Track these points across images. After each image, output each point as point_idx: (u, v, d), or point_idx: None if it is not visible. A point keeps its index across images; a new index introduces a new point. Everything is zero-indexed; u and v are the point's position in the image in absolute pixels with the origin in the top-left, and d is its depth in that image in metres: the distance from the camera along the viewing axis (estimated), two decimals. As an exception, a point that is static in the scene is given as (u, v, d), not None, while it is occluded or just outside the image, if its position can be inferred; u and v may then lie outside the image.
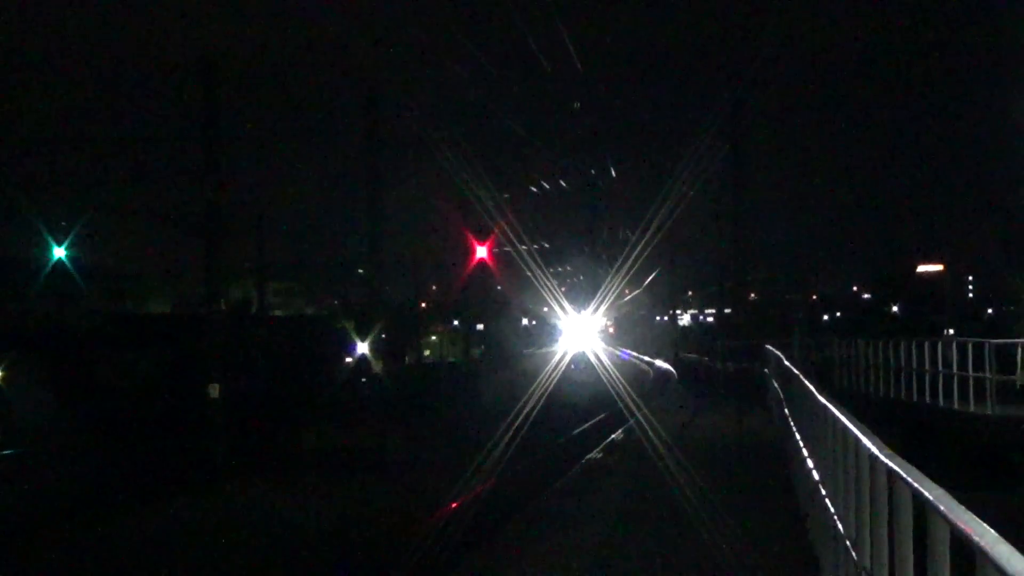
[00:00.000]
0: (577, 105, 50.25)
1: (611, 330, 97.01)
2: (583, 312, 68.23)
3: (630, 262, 47.24)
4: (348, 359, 66.43)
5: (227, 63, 36.32)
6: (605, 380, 44.68)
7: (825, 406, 10.35)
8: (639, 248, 46.01)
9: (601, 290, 59.57)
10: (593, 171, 53.49)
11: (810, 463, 12.73)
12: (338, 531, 19.96)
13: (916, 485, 5.27)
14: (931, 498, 4.84)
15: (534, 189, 53.42)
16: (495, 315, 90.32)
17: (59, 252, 49.32)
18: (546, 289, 55.16)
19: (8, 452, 33.76)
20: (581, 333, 68.64)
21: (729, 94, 42.10)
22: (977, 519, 4.17)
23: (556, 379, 48.53)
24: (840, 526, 8.80)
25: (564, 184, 54.11)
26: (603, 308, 64.15)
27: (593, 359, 60.10)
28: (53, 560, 18.65)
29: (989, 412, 24.57)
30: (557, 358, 59.66)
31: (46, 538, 20.32)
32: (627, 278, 52.40)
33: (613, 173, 52.05)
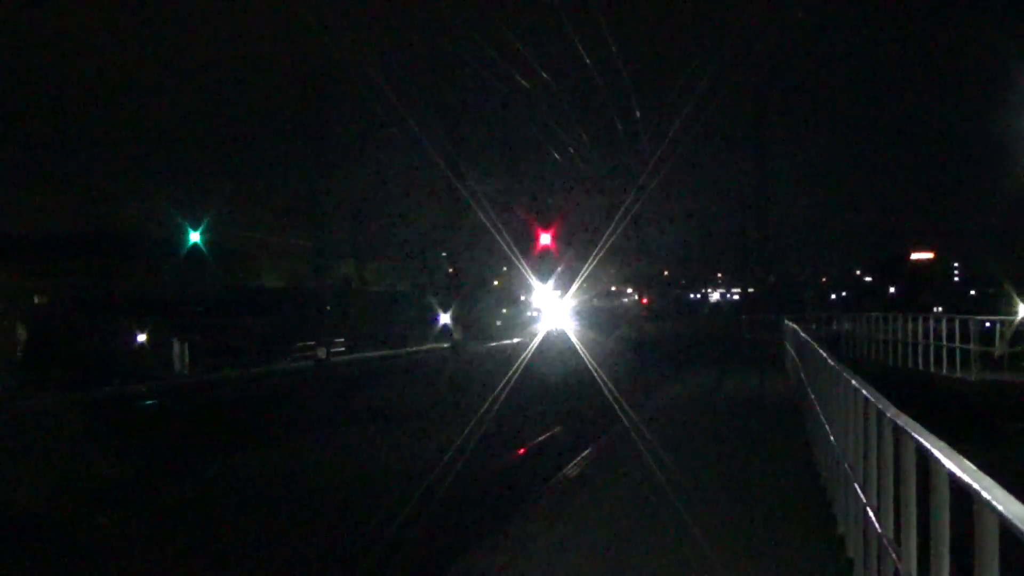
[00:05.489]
0: (638, 114, 49.78)
1: (643, 302, 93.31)
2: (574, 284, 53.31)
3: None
4: (433, 328, 66.81)
5: (332, 70, 36.60)
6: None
7: (839, 370, 10.38)
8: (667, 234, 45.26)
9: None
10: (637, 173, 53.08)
11: (823, 417, 12.75)
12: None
13: (919, 438, 5.34)
14: (933, 449, 4.91)
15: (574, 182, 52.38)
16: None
17: (194, 236, 50.11)
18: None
19: (150, 402, 34.33)
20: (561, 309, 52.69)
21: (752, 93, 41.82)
22: (975, 468, 4.22)
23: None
24: (850, 471, 8.82)
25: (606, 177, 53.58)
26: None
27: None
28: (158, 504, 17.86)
29: (972, 378, 24.48)
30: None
31: (154, 480, 19.18)
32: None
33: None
